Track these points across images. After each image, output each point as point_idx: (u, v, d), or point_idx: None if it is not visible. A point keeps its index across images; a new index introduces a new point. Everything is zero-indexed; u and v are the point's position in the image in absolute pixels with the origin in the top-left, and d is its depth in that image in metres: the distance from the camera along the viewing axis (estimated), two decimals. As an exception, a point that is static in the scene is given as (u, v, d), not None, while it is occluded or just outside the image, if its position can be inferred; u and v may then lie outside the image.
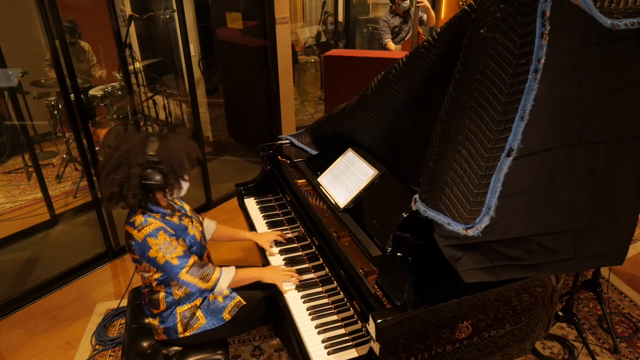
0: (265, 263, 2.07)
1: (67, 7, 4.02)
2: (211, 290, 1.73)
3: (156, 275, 1.74)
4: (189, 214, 1.90)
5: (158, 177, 1.62)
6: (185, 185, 1.75)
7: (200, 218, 2.01)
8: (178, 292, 1.79)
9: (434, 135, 1.45)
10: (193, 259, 1.69)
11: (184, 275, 1.66)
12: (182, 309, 1.80)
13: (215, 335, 1.83)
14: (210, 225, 2.10)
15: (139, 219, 1.67)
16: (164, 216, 1.74)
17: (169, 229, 1.69)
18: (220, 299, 1.85)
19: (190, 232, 1.80)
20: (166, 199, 1.75)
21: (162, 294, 1.79)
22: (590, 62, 1.30)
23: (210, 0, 5.37)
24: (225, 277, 1.75)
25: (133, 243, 1.67)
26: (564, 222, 1.42)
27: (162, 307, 1.80)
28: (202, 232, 1.92)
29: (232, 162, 4.91)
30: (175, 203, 1.88)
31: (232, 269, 1.80)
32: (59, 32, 2.68)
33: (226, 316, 1.81)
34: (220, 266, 1.80)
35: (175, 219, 1.77)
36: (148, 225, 1.66)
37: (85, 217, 3.75)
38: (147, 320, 1.94)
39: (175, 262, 1.65)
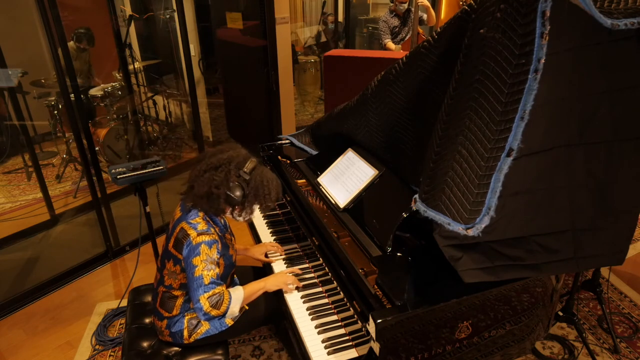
0: (266, 265, 2.07)
1: (67, 7, 4.02)
2: (223, 316, 1.72)
3: (183, 280, 1.74)
4: (229, 230, 1.93)
5: (239, 194, 1.69)
6: (249, 218, 1.81)
7: None
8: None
9: (434, 135, 1.45)
10: (220, 289, 1.68)
11: (203, 300, 1.64)
12: (190, 316, 1.80)
13: (218, 338, 1.83)
14: None
15: (203, 224, 1.69)
16: (222, 231, 1.79)
17: (220, 246, 1.72)
18: None
19: (230, 253, 1.83)
20: (231, 216, 1.79)
21: (180, 300, 1.79)
22: (590, 62, 1.30)
23: (210, 0, 5.37)
24: (235, 300, 1.74)
25: (186, 242, 1.67)
26: (564, 222, 1.42)
27: (175, 311, 1.79)
28: (236, 250, 1.95)
29: (232, 162, 4.90)
30: (225, 221, 1.91)
31: (240, 289, 1.78)
32: (59, 32, 2.68)
33: (229, 321, 1.81)
34: (229, 285, 1.79)
35: (225, 237, 1.82)
36: (209, 234, 1.68)
37: (85, 217, 3.75)
38: (151, 319, 1.94)
39: (207, 281, 1.65)
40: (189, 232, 1.68)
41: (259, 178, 1.73)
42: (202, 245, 1.66)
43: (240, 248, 2.14)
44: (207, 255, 1.66)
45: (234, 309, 1.73)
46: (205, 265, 1.65)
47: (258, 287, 1.83)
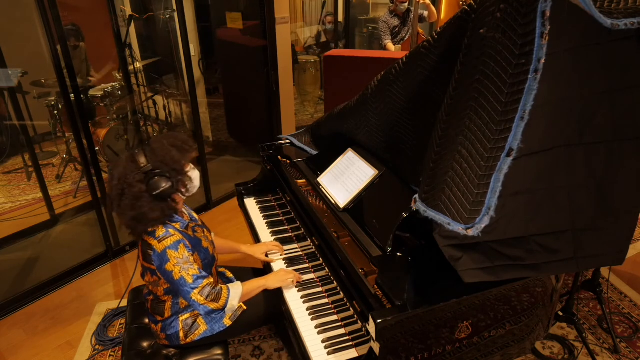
0: (266, 265, 2.07)
1: (67, 7, 4.02)
2: (222, 309, 1.70)
3: (165, 286, 1.73)
4: (199, 222, 1.90)
5: (164, 183, 1.61)
6: (194, 175, 1.73)
7: None
8: (184, 302, 1.78)
9: (434, 135, 1.45)
10: (207, 281, 1.67)
11: (196, 295, 1.63)
12: (184, 317, 1.79)
13: (216, 339, 1.83)
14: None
15: (160, 229, 1.65)
16: (183, 226, 1.73)
17: (187, 243, 1.68)
18: None
19: (204, 245, 1.79)
20: (184, 196, 1.73)
21: (168, 303, 1.78)
22: (590, 62, 1.30)
23: (210, 0, 5.37)
24: (234, 294, 1.73)
25: (152, 253, 1.64)
26: (564, 222, 1.42)
27: (167, 314, 1.79)
28: (212, 243, 1.90)
29: (232, 162, 4.91)
30: (189, 212, 1.87)
31: (238, 284, 1.77)
32: (59, 32, 2.68)
33: (227, 322, 1.80)
34: (225, 283, 1.78)
35: (190, 232, 1.76)
36: (170, 237, 1.64)
37: (85, 217, 3.75)
38: (148, 323, 1.94)
39: (190, 280, 1.63)
40: (151, 243, 1.64)
41: (156, 155, 1.62)
42: (168, 251, 1.62)
43: (234, 247, 2.14)
44: (177, 258, 1.63)
45: (233, 302, 1.72)
46: (181, 267, 1.62)
47: (258, 284, 1.83)
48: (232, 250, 2.16)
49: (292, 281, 1.86)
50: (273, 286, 1.84)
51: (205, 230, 1.89)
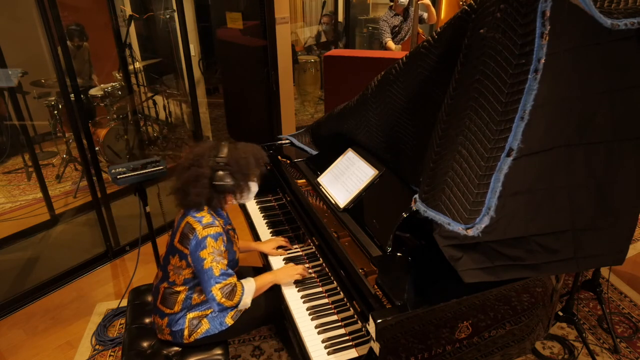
0: (266, 264, 2.07)
1: (67, 7, 4.02)
2: (235, 306, 1.74)
3: (187, 275, 1.76)
4: (233, 227, 1.95)
5: (228, 179, 1.72)
6: (254, 188, 1.83)
7: None
8: (197, 298, 1.80)
9: (434, 135, 1.45)
10: (231, 280, 1.70)
11: (216, 290, 1.67)
12: (192, 315, 1.80)
13: (218, 338, 1.83)
14: None
15: (208, 217, 1.73)
16: (226, 224, 1.82)
17: (225, 238, 1.74)
18: None
19: (233, 249, 1.86)
20: (236, 201, 1.83)
21: (182, 295, 1.79)
22: (590, 62, 1.30)
23: (210, 0, 5.37)
24: (248, 291, 1.76)
25: (192, 237, 1.69)
26: (564, 222, 1.42)
27: (177, 308, 1.80)
28: (239, 249, 1.97)
29: (232, 162, 4.90)
30: (227, 215, 1.93)
31: (251, 280, 1.80)
32: (59, 32, 2.68)
33: (229, 321, 1.81)
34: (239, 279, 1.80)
35: (230, 232, 1.85)
36: (214, 227, 1.71)
37: (85, 217, 3.75)
38: (151, 319, 1.93)
39: (217, 273, 1.67)
40: (194, 226, 1.70)
41: (236, 155, 1.75)
42: (208, 238, 1.68)
43: (248, 245, 2.14)
44: (214, 248, 1.68)
45: (247, 299, 1.75)
46: (214, 257, 1.67)
47: (268, 279, 1.86)
48: (247, 248, 2.17)
49: (301, 275, 1.88)
50: (283, 281, 1.87)
51: (236, 235, 1.96)
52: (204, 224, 1.70)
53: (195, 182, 1.71)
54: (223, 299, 1.67)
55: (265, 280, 1.85)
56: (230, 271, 1.72)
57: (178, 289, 1.79)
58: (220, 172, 1.72)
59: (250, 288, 1.76)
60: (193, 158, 1.74)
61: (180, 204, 1.78)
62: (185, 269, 1.75)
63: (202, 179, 1.71)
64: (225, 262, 1.71)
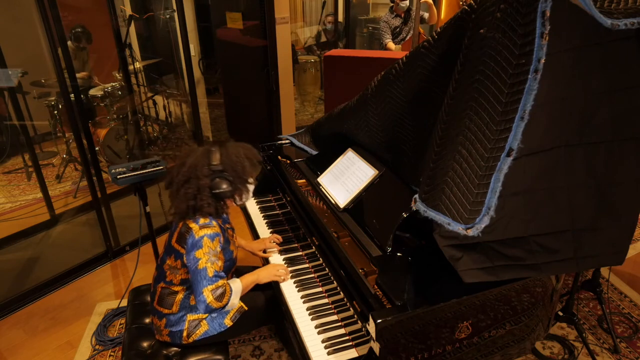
0: (266, 264, 2.07)
1: (67, 7, 4.02)
2: (222, 308, 1.74)
3: (184, 275, 1.76)
4: (231, 226, 1.95)
5: (225, 185, 1.72)
6: (251, 188, 1.83)
7: None
8: (194, 299, 1.79)
9: (434, 135, 1.45)
10: (223, 282, 1.71)
11: (207, 292, 1.66)
12: (192, 317, 1.80)
13: (217, 339, 1.83)
14: None
15: (204, 218, 1.72)
16: (224, 223, 1.82)
17: (222, 239, 1.74)
18: None
19: (231, 248, 1.86)
20: (236, 204, 1.83)
21: (180, 296, 1.79)
22: (590, 62, 1.30)
23: (210, 0, 5.37)
24: (235, 292, 1.76)
25: (188, 236, 1.69)
26: (564, 222, 1.42)
27: (174, 309, 1.80)
28: (237, 248, 1.97)
29: (232, 162, 4.90)
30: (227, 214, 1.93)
31: (237, 281, 1.80)
32: (59, 32, 2.68)
33: (228, 322, 1.81)
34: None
35: (229, 231, 1.85)
36: (211, 227, 1.71)
37: (85, 217, 3.75)
38: (149, 320, 1.93)
39: (211, 274, 1.67)
40: (191, 226, 1.70)
41: (229, 161, 1.74)
42: (205, 238, 1.68)
43: (241, 243, 2.15)
44: (210, 248, 1.68)
45: (234, 300, 1.76)
46: (209, 258, 1.67)
47: (251, 279, 1.86)
48: (240, 247, 2.17)
49: (282, 274, 1.88)
50: (264, 280, 1.87)
51: (234, 234, 1.95)
52: (200, 224, 1.70)
53: (200, 194, 1.70)
54: (213, 301, 1.67)
55: (249, 280, 1.85)
56: (222, 273, 1.72)
57: (175, 289, 1.79)
58: (218, 180, 1.71)
59: (237, 289, 1.77)
60: (189, 170, 1.71)
61: (189, 218, 1.73)
62: (181, 269, 1.76)
63: (204, 191, 1.70)
64: (220, 263, 1.71)
